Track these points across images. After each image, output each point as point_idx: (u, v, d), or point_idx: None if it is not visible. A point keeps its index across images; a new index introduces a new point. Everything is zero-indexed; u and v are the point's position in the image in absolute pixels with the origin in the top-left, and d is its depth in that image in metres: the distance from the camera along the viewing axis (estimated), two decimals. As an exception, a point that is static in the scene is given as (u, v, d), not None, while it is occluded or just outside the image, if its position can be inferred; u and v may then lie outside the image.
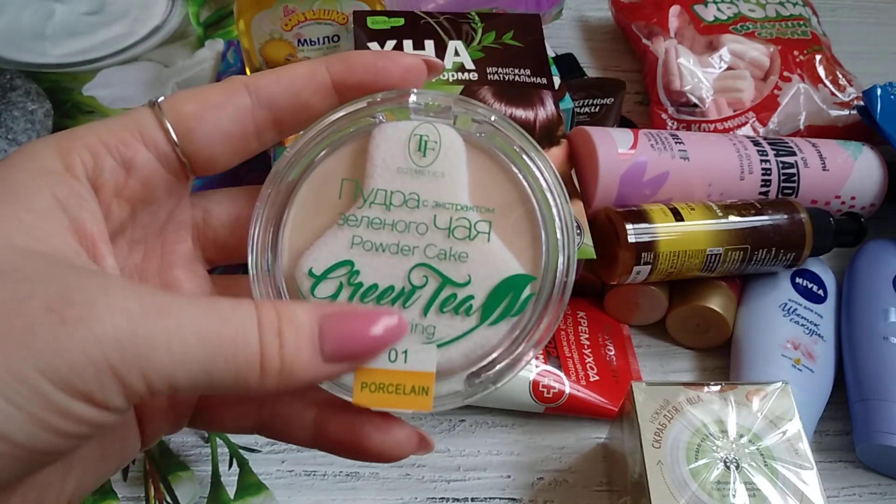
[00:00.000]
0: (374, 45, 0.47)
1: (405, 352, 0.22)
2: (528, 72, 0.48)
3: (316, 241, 0.23)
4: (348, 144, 0.23)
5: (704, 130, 0.56)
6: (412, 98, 0.23)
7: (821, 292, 0.49)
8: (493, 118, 0.24)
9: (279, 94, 0.22)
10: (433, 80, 0.46)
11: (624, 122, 0.58)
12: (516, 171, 0.24)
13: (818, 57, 0.60)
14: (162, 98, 0.22)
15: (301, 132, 0.23)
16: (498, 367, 0.23)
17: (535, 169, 0.23)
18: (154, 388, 0.17)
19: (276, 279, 0.23)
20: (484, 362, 0.23)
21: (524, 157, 0.24)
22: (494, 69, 0.47)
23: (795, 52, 0.59)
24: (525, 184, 0.23)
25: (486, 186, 0.23)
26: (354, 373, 0.21)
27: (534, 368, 0.44)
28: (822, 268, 0.50)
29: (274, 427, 0.24)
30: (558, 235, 0.23)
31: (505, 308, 0.23)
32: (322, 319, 0.19)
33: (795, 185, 0.50)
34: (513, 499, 0.43)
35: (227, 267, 0.27)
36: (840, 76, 0.59)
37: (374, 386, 0.21)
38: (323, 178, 0.23)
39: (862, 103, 0.54)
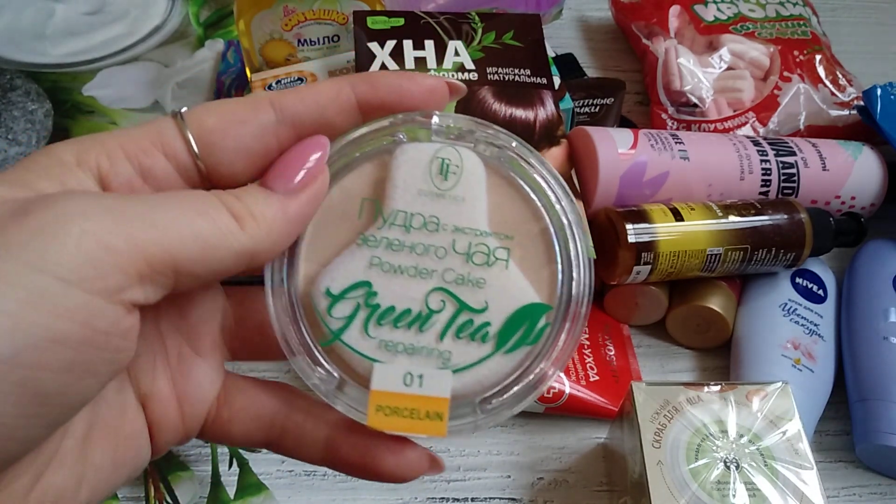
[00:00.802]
0: (374, 45, 0.48)
1: (420, 376, 0.22)
2: (528, 72, 0.48)
3: (334, 258, 0.23)
4: (369, 162, 0.24)
5: (704, 130, 0.56)
6: (434, 120, 0.24)
7: (821, 292, 0.49)
8: (513, 144, 0.24)
9: (304, 112, 0.22)
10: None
11: (624, 122, 0.58)
12: (536, 200, 0.24)
13: (818, 57, 0.60)
14: (185, 109, 0.22)
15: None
16: (511, 392, 0.23)
17: (554, 200, 0.24)
18: (155, 262, 0.18)
19: (292, 295, 0.23)
20: (497, 388, 0.23)
21: (544, 186, 0.24)
22: (494, 69, 0.47)
23: (795, 52, 0.59)
24: (545, 214, 0.24)
25: (506, 213, 0.24)
26: (369, 395, 0.22)
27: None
28: (822, 268, 0.50)
29: (284, 443, 0.24)
30: (573, 268, 0.23)
31: (521, 337, 0.23)
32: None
33: (795, 185, 0.50)
34: (513, 499, 0.43)
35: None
36: (840, 76, 0.59)
37: (389, 409, 0.22)
38: (342, 195, 0.23)
39: (862, 103, 0.54)
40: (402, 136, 0.23)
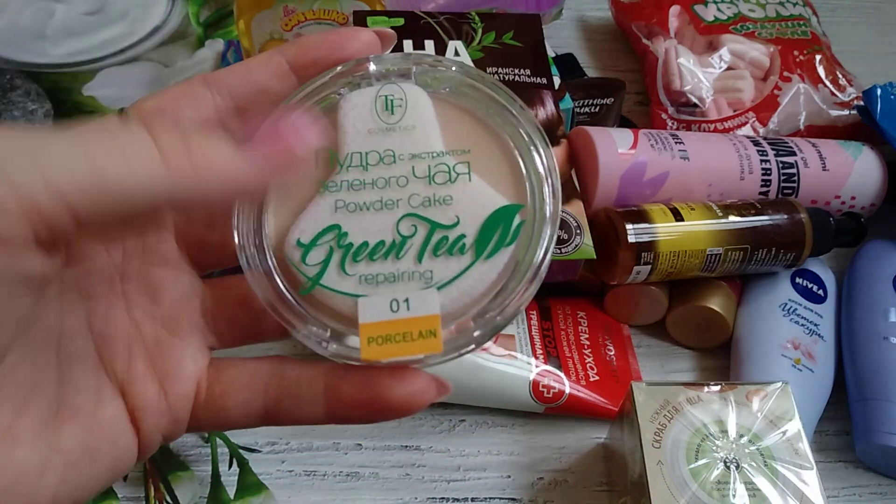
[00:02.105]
0: (374, 45, 0.47)
1: (406, 300, 0.22)
2: (528, 72, 0.48)
3: (300, 213, 0.23)
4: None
5: (704, 130, 0.56)
6: (371, 66, 0.24)
7: (821, 292, 0.49)
8: (454, 69, 0.24)
9: (236, 82, 0.23)
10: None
11: (624, 122, 0.58)
12: (483, 114, 0.24)
13: (818, 57, 0.60)
14: (131, 106, 0.22)
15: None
16: (502, 301, 0.23)
17: (505, 111, 0.24)
18: (39, 201, 0.16)
19: (268, 259, 0.23)
20: (487, 299, 0.23)
21: (491, 98, 0.24)
22: (494, 69, 0.47)
23: (795, 52, 0.59)
24: (496, 124, 0.24)
25: (458, 132, 0.24)
26: (359, 329, 0.22)
27: (534, 368, 0.44)
28: (822, 268, 0.50)
29: (283, 407, 0.23)
30: (538, 164, 0.23)
31: (498, 240, 0.23)
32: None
33: (795, 185, 0.50)
34: (513, 499, 0.43)
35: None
36: (840, 76, 0.59)
37: (381, 339, 0.21)
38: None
39: (862, 103, 0.54)
40: (343, 91, 0.24)
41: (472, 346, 0.22)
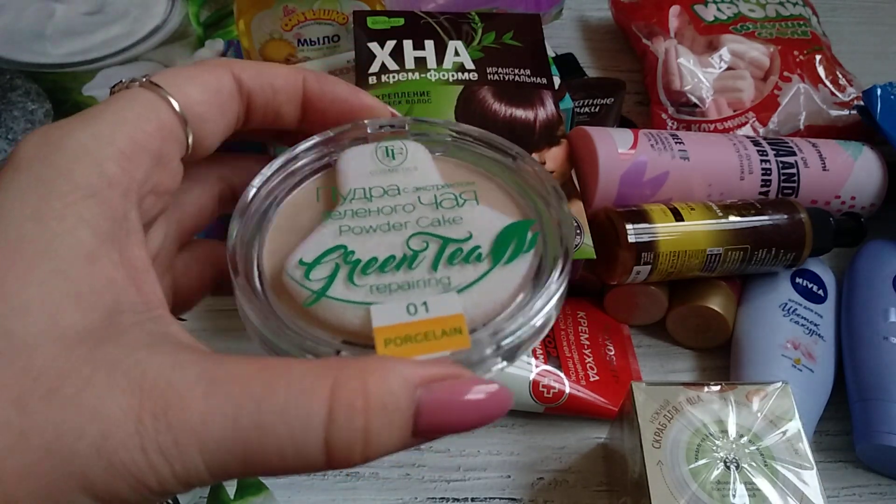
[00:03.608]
0: (374, 45, 0.47)
1: (424, 303, 0.20)
2: (528, 72, 0.48)
3: (301, 242, 0.22)
4: (312, 180, 0.24)
5: (704, 130, 0.56)
6: (368, 129, 0.24)
7: (821, 292, 0.49)
8: (448, 137, 0.25)
9: (258, 92, 0.22)
10: (433, 80, 0.46)
11: (624, 122, 0.58)
12: (484, 168, 0.24)
13: (818, 57, 0.60)
14: (153, 77, 0.20)
15: (263, 169, 0.23)
16: (527, 313, 0.20)
17: (504, 167, 0.24)
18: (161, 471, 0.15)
19: (258, 287, 0.21)
20: (510, 308, 0.21)
21: (490, 157, 0.24)
22: (494, 69, 0.47)
23: (795, 52, 0.59)
24: (495, 171, 0.24)
25: (458, 176, 0.24)
26: (374, 333, 0.19)
27: (534, 368, 0.44)
28: (822, 268, 0.50)
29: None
30: (538, 201, 0.24)
31: (515, 247, 0.21)
32: (422, 394, 0.16)
33: (795, 185, 0.50)
34: (513, 499, 0.43)
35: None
36: (840, 76, 0.59)
37: (400, 339, 0.19)
38: (295, 204, 0.23)
39: (862, 103, 0.54)
40: (337, 153, 0.24)
41: (504, 365, 0.20)
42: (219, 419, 0.15)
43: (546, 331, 0.21)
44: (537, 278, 0.21)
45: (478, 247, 0.21)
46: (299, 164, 0.24)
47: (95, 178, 0.17)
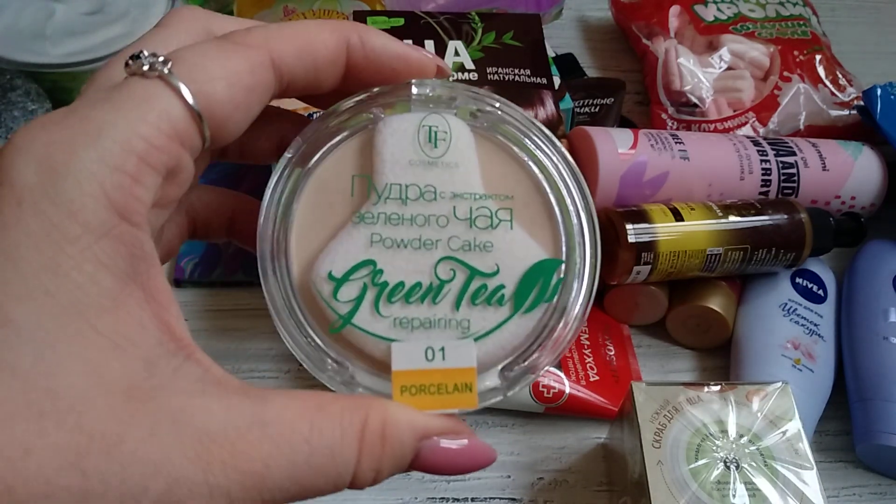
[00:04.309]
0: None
1: (442, 349, 0.21)
2: (528, 72, 0.48)
3: (330, 241, 0.22)
4: (350, 141, 0.23)
5: (704, 130, 0.56)
6: (414, 90, 0.23)
7: (821, 292, 0.49)
8: (497, 105, 0.23)
9: (300, 73, 0.20)
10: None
11: (624, 122, 0.58)
12: (526, 158, 0.23)
13: (818, 57, 0.60)
14: (170, 64, 0.18)
15: (299, 135, 0.22)
16: (532, 355, 0.22)
17: (542, 157, 0.23)
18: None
19: (287, 287, 0.21)
20: (519, 352, 0.22)
21: (531, 145, 0.23)
22: (494, 69, 0.47)
23: (795, 52, 0.59)
24: (536, 171, 0.23)
25: (499, 175, 0.23)
26: (392, 376, 0.21)
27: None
28: (822, 268, 0.50)
29: None
30: (573, 220, 0.23)
31: (537, 295, 0.22)
32: (424, 444, 0.19)
33: (795, 185, 0.50)
34: (513, 499, 0.43)
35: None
36: (840, 76, 0.59)
37: (415, 388, 0.21)
38: (328, 176, 0.22)
39: (862, 103, 0.54)
40: (378, 112, 0.23)
41: (500, 398, 0.22)
42: (280, 462, 0.17)
43: (544, 370, 0.23)
44: (549, 323, 0.22)
45: (502, 286, 0.22)
46: (335, 123, 0.23)
47: (105, 213, 0.16)
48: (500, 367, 0.22)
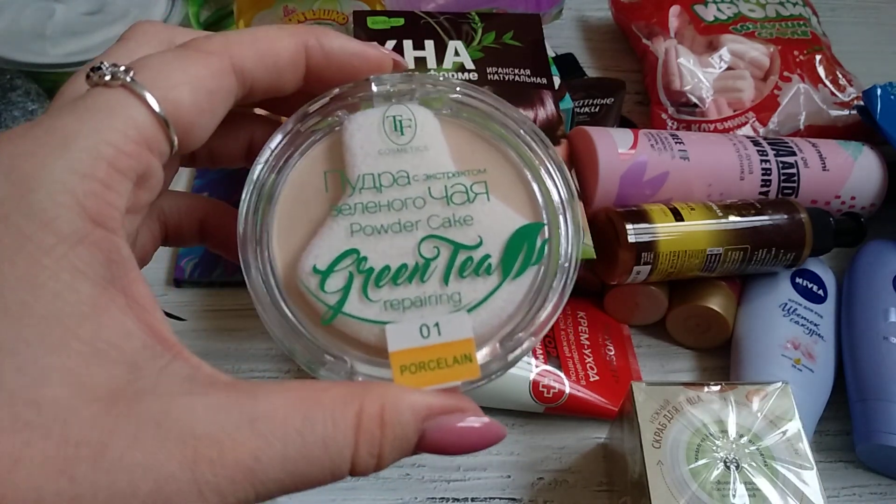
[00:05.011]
0: (374, 45, 0.48)
1: (437, 325, 0.21)
2: (528, 72, 0.48)
3: (312, 239, 0.22)
4: (319, 144, 0.23)
5: (704, 130, 0.56)
6: (374, 87, 0.23)
7: (821, 292, 0.49)
8: (458, 90, 0.24)
9: (262, 76, 0.21)
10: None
11: (624, 122, 0.58)
12: (489, 134, 0.24)
13: (818, 57, 0.60)
14: (132, 73, 0.18)
15: (268, 142, 0.23)
16: (531, 321, 0.22)
17: (510, 131, 0.24)
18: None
19: (274, 289, 0.22)
20: (516, 320, 0.22)
21: (497, 122, 0.24)
22: (494, 69, 0.47)
23: (795, 52, 0.59)
24: (504, 145, 0.24)
25: (468, 152, 0.24)
26: (390, 358, 0.20)
27: (534, 368, 0.44)
28: (822, 268, 0.50)
29: None
30: (549, 185, 0.23)
31: (524, 259, 0.22)
32: (428, 424, 0.19)
33: (795, 185, 0.50)
34: (513, 499, 0.43)
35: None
36: (840, 76, 0.59)
37: (414, 367, 0.20)
38: (302, 177, 0.23)
39: (862, 103, 0.54)
40: (343, 114, 0.23)
41: (504, 370, 0.22)
42: (271, 455, 0.17)
43: (545, 332, 0.22)
44: (541, 287, 0.22)
45: (488, 256, 0.22)
46: (304, 128, 0.23)
47: (79, 221, 0.16)
48: (498, 336, 0.22)
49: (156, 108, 0.18)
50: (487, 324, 0.22)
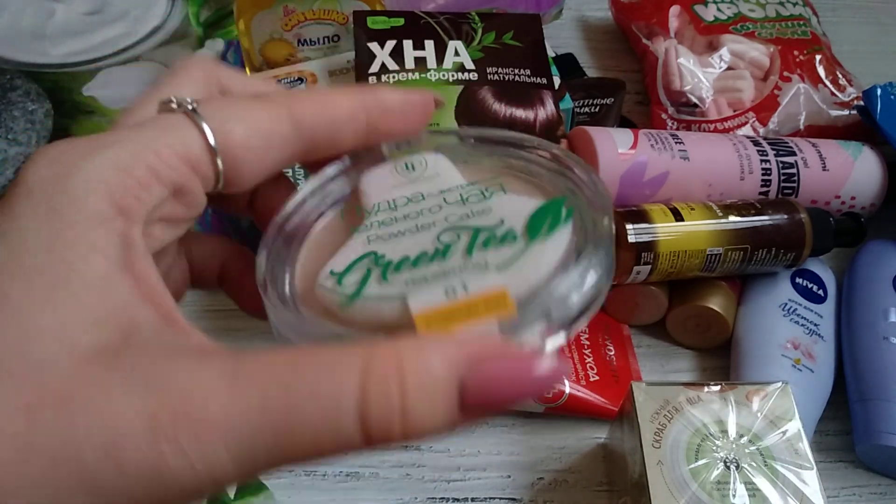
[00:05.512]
0: (374, 46, 0.48)
1: (464, 284, 0.19)
2: (528, 72, 0.48)
3: (330, 258, 0.22)
4: (334, 208, 0.24)
5: (704, 130, 0.56)
6: (384, 149, 0.24)
7: (821, 292, 0.49)
8: (469, 141, 0.25)
9: (320, 130, 0.21)
10: (433, 80, 0.46)
11: (624, 122, 0.58)
12: (508, 168, 0.24)
13: (818, 57, 0.60)
14: (202, 105, 0.20)
15: (287, 205, 0.23)
16: (577, 282, 0.19)
17: (522, 154, 0.24)
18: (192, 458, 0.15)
19: (293, 303, 0.21)
20: (556, 281, 0.19)
21: (512, 159, 0.24)
22: (494, 69, 0.47)
23: (795, 52, 0.59)
24: (517, 162, 0.24)
25: (480, 170, 0.24)
26: (414, 319, 0.18)
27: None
28: (822, 268, 0.50)
29: None
30: (568, 174, 0.23)
31: (552, 223, 0.20)
32: (467, 369, 0.16)
33: (795, 185, 0.50)
34: (513, 499, 0.43)
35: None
36: (840, 76, 0.59)
37: (443, 320, 0.18)
38: (320, 237, 0.23)
39: (862, 103, 0.54)
40: (356, 174, 0.24)
41: (562, 334, 0.19)
42: (244, 409, 0.15)
43: (599, 302, 0.20)
44: (581, 250, 0.20)
45: (512, 229, 0.20)
46: (323, 194, 0.24)
47: (105, 206, 0.17)
48: (540, 302, 0.19)
49: (208, 134, 0.19)
50: (523, 281, 0.19)
